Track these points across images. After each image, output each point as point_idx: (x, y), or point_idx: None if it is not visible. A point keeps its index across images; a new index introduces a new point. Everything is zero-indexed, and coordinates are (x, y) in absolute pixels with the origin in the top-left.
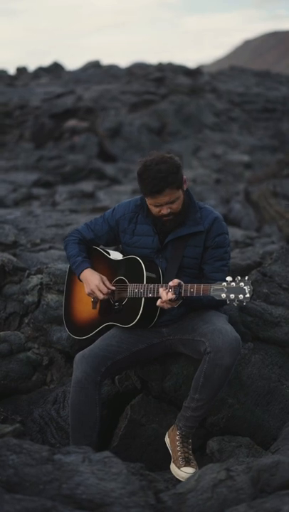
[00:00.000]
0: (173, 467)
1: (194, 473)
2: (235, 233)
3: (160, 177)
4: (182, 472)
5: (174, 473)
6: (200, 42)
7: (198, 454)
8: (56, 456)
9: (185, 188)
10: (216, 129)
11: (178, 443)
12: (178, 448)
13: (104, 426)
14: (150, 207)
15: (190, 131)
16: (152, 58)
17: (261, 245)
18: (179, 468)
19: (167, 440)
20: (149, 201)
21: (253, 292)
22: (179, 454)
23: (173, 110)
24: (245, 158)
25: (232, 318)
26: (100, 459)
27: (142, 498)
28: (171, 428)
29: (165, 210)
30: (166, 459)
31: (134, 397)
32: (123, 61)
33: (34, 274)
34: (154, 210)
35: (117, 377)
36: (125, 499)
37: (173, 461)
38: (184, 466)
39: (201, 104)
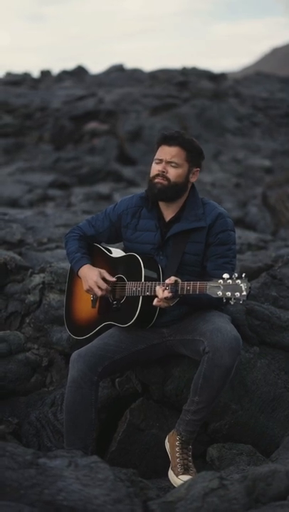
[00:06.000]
0: (171, 474)
1: (186, 482)
2: (249, 236)
3: (178, 134)
4: (180, 480)
5: (171, 481)
6: (228, 49)
7: (200, 462)
8: (41, 460)
9: (192, 180)
10: (238, 134)
11: (177, 449)
12: (177, 454)
13: (103, 430)
14: (152, 166)
15: (211, 135)
16: (179, 65)
17: (275, 249)
18: (176, 475)
19: (167, 445)
20: (155, 156)
21: (250, 290)
22: (177, 460)
23: (194, 114)
24: (267, 162)
25: (238, 320)
26: (86, 463)
27: (127, 506)
28: (171, 433)
29: (161, 167)
30: (166, 465)
31: (135, 401)
32: (149, 67)
33: (37, 273)
34: (154, 168)
35: (117, 379)
36: (109, 507)
37: (171, 468)
38: (182, 474)
39: (223, 109)
